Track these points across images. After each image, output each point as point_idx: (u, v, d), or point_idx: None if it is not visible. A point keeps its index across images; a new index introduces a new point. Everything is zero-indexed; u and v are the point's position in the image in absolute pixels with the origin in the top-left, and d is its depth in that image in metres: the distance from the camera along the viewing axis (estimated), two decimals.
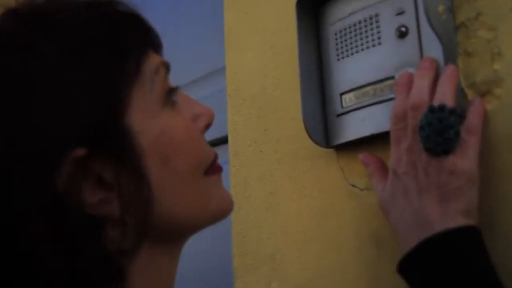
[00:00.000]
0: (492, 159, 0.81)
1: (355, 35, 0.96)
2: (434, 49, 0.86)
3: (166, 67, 0.61)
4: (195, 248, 1.47)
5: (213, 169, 0.64)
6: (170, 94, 0.60)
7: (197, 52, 1.56)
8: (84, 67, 0.51)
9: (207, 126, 0.66)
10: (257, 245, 1.16)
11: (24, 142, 0.48)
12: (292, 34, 1.09)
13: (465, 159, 0.70)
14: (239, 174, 1.20)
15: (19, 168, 0.47)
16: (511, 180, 0.79)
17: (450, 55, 0.85)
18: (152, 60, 0.58)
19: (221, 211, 0.65)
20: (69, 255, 0.48)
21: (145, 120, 0.55)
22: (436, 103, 0.71)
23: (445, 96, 0.72)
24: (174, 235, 0.60)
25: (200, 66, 1.55)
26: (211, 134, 1.45)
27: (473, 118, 0.74)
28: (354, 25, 0.97)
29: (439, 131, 0.69)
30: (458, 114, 0.71)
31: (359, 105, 0.95)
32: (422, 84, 0.74)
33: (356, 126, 0.96)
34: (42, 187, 0.48)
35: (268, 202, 1.14)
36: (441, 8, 0.86)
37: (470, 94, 0.85)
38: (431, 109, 0.71)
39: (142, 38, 0.59)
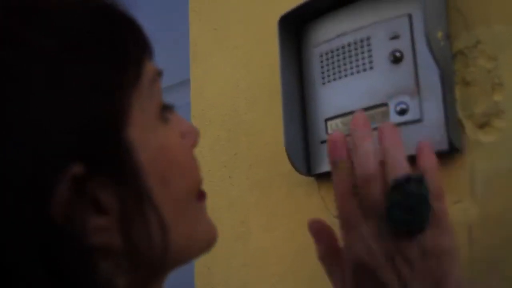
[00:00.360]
0: (493, 196, 0.78)
1: (344, 58, 0.91)
2: (430, 76, 0.83)
3: (160, 75, 0.55)
4: None
5: (201, 194, 0.59)
6: (164, 107, 0.54)
7: (160, 63, 1.48)
8: (84, 68, 0.45)
9: (194, 145, 0.59)
10: (225, 278, 1.08)
11: (14, 156, 0.40)
12: (267, 53, 1.03)
13: (444, 232, 0.56)
14: (207, 201, 1.12)
15: (9, 188, 0.40)
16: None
17: (447, 83, 0.82)
18: (149, 68, 0.52)
19: (209, 242, 0.59)
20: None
21: (143, 134, 0.48)
22: (392, 173, 0.56)
23: (400, 162, 0.57)
24: (159, 268, 0.52)
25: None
26: None
27: (432, 177, 0.58)
28: (343, 47, 0.92)
29: (411, 208, 0.54)
30: (424, 181, 0.55)
31: (347, 133, 0.90)
32: (367, 149, 0.58)
33: None
34: (35, 212, 0.41)
35: (238, 232, 1.07)
36: (439, 34, 0.82)
37: (468, 125, 0.81)
38: (396, 185, 0.55)
39: (140, 42, 0.52)
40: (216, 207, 1.11)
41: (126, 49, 0.49)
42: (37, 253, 0.40)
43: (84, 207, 0.43)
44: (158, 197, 0.48)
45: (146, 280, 0.51)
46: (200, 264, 1.12)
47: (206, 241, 0.58)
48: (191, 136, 0.58)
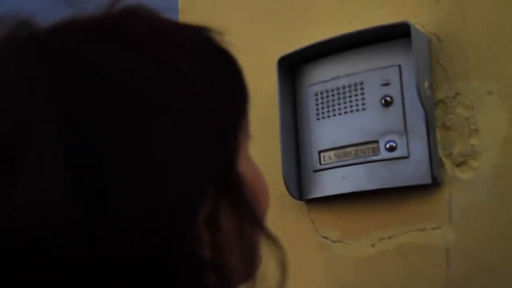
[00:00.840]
0: (467, 224, 0.92)
1: (338, 99, 1.04)
2: (416, 119, 0.96)
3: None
4: None
5: None
6: None
7: None
8: (222, 98, 0.48)
9: None
10: None
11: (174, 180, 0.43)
12: (262, 87, 1.14)
13: None
14: None
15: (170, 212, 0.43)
16: (486, 244, 0.90)
17: (431, 126, 0.95)
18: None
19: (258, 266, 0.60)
20: None
21: (246, 163, 0.52)
22: None
23: None
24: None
25: None
26: None
27: None
28: (337, 89, 1.04)
29: None
30: None
31: (339, 164, 1.02)
32: None
33: (335, 183, 1.02)
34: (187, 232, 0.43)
35: None
36: (426, 84, 0.96)
37: (448, 163, 0.95)
38: None
39: (243, 76, 0.56)
40: None
41: (240, 83, 0.53)
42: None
43: (214, 228, 0.46)
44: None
45: None
46: None
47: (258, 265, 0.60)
48: None
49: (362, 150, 1.00)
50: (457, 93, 0.96)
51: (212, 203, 0.46)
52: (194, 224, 0.44)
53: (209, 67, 0.48)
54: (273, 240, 0.53)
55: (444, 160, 0.96)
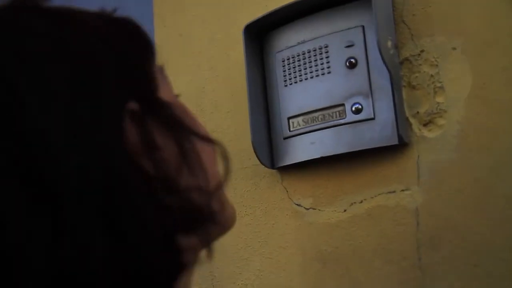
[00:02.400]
0: (434, 183, 0.90)
1: (304, 63, 1.02)
2: (381, 79, 0.94)
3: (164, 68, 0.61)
4: None
5: None
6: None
7: None
8: (126, 37, 0.53)
9: None
10: None
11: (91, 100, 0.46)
12: (230, 57, 1.13)
13: None
14: None
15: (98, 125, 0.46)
16: (453, 203, 0.88)
17: (396, 86, 0.94)
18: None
19: (233, 218, 0.58)
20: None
21: (171, 99, 0.54)
22: None
23: None
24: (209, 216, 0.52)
25: None
26: None
27: None
28: (303, 53, 1.02)
29: None
30: None
31: (307, 129, 1.01)
32: None
33: (304, 149, 1.01)
34: (116, 142, 0.46)
35: None
36: (389, 43, 0.94)
37: (414, 123, 0.93)
38: None
39: (150, 45, 0.61)
40: None
41: (148, 44, 0.56)
42: (139, 188, 0.45)
43: (147, 143, 0.48)
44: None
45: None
46: None
47: (232, 215, 0.58)
48: None
49: (329, 114, 0.99)
50: (422, 51, 0.94)
51: (138, 122, 0.47)
52: (121, 139, 0.46)
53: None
54: (211, 140, 0.53)
55: (411, 119, 0.94)
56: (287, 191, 1.07)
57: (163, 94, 0.55)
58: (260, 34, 1.09)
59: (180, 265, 0.48)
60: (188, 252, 0.50)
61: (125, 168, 0.46)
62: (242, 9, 1.16)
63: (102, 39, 0.52)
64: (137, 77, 0.52)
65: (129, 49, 0.54)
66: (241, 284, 1.10)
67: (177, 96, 0.62)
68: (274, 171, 1.09)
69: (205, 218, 0.50)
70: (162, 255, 0.46)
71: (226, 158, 0.54)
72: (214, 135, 1.13)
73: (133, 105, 0.48)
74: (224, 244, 1.10)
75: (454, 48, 0.91)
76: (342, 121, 0.97)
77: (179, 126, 0.52)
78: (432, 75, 0.93)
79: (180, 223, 0.48)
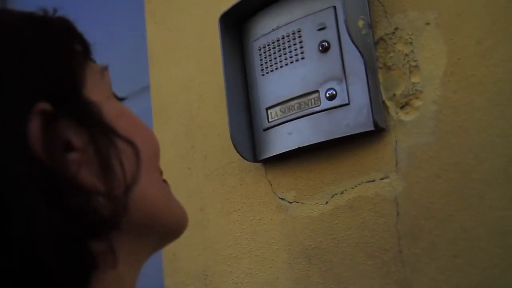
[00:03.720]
0: (412, 170, 0.84)
1: (279, 50, 0.98)
2: (355, 62, 0.89)
3: (106, 69, 0.59)
4: None
5: (164, 180, 0.60)
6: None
7: (121, 71, 1.54)
8: (43, 35, 0.51)
9: None
10: (189, 262, 1.14)
11: None
12: (216, 49, 1.09)
13: None
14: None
15: None
16: (432, 190, 0.82)
17: (371, 68, 0.88)
18: (95, 64, 0.57)
19: (182, 220, 0.59)
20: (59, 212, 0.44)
21: (102, 99, 0.53)
22: None
23: None
24: (143, 232, 0.54)
25: (125, 84, 1.53)
26: None
27: None
28: (278, 40, 0.98)
29: None
30: None
31: (285, 119, 0.96)
32: None
33: (282, 140, 0.97)
34: (17, 148, 0.45)
35: (198, 219, 1.14)
36: (360, 23, 0.88)
37: (390, 106, 0.87)
38: None
39: (83, 45, 0.57)
40: (177, 196, 1.18)
41: (71, 40, 0.55)
42: (34, 190, 0.43)
43: (59, 144, 0.46)
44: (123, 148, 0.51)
45: (129, 252, 0.53)
46: (167, 251, 1.18)
47: (180, 218, 0.59)
48: None
49: (304, 102, 0.94)
50: (396, 28, 0.88)
51: (49, 122, 0.46)
52: (24, 142, 0.45)
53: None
54: (128, 141, 0.51)
55: (388, 103, 0.88)
56: (271, 185, 1.03)
57: (94, 94, 0.53)
58: (236, 23, 1.05)
59: (86, 270, 0.46)
60: (102, 256, 0.48)
61: (20, 169, 0.44)
62: (229, 1, 1.12)
63: (14, 39, 0.50)
64: (54, 77, 0.50)
65: (46, 50, 0.51)
66: (232, 282, 1.06)
67: (118, 98, 0.59)
68: (258, 164, 1.05)
69: (111, 224, 0.48)
70: (61, 261, 0.45)
71: (138, 163, 0.52)
72: (201, 130, 1.11)
73: (43, 105, 0.46)
74: (215, 242, 1.07)
75: (427, 23, 0.84)
76: (317, 109, 0.92)
77: (98, 127, 0.50)
78: (406, 54, 0.86)
79: (86, 228, 0.46)
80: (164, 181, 0.60)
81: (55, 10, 0.59)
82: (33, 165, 0.45)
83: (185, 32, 1.22)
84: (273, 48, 0.99)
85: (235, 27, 1.05)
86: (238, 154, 1.03)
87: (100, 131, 0.49)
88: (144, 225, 0.54)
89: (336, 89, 0.90)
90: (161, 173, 0.60)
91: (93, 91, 0.53)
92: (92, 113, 0.50)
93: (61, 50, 0.53)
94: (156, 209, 0.55)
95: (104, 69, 0.58)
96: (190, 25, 1.21)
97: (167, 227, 0.57)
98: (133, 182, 0.51)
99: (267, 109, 1.00)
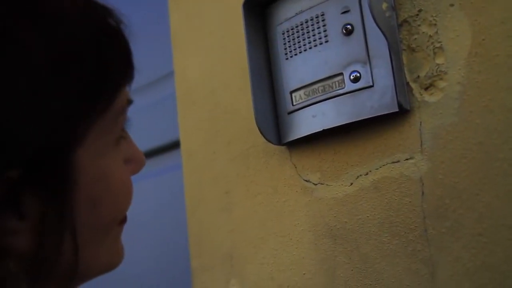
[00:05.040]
0: (437, 150, 0.85)
1: (303, 34, 0.99)
2: (379, 45, 0.90)
3: (130, 104, 0.55)
4: (152, 251, 1.47)
5: (124, 219, 0.58)
6: (122, 132, 0.55)
7: (145, 58, 1.56)
8: (59, 85, 0.45)
9: (134, 173, 0.59)
10: (214, 245, 1.17)
11: None
12: (240, 35, 1.10)
13: None
14: (193, 176, 1.21)
15: None
16: (457, 170, 0.83)
17: (395, 51, 0.89)
18: (122, 98, 0.52)
19: (111, 265, 0.57)
20: None
21: (91, 159, 0.49)
22: None
23: None
24: (65, 281, 0.51)
25: (148, 72, 1.55)
26: (163, 140, 1.46)
27: None
28: (301, 24, 0.99)
29: None
30: None
31: (309, 102, 0.98)
32: None
33: (307, 123, 0.98)
34: None
35: (223, 202, 1.16)
36: (384, 5, 0.89)
37: (415, 88, 0.88)
38: None
39: (123, 68, 0.52)
40: (202, 181, 1.20)
41: (107, 76, 0.49)
42: None
43: (8, 207, 0.44)
44: (83, 219, 0.48)
45: None
46: (193, 234, 1.21)
47: (109, 264, 0.56)
48: (136, 164, 0.59)
49: (328, 85, 0.95)
50: (419, 10, 0.88)
51: (9, 186, 0.43)
52: None
53: (68, 49, 0.46)
54: (74, 242, 0.48)
55: (412, 84, 0.89)
56: (296, 168, 1.04)
57: (91, 147, 0.49)
58: (259, 9, 1.06)
59: None
60: None
61: None
62: None
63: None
64: (42, 142, 0.44)
65: (64, 85, 0.45)
66: (258, 263, 1.09)
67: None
68: (283, 148, 1.06)
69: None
70: None
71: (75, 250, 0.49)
72: (226, 114, 1.13)
73: (11, 174, 0.43)
74: (240, 224, 1.09)
75: (451, 5, 0.85)
76: (341, 91, 0.93)
77: (56, 201, 0.46)
78: (430, 36, 0.87)
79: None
80: (124, 219, 0.58)
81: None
82: None
83: (208, 18, 1.24)
84: (297, 32, 1.00)
85: (258, 13, 1.06)
86: (262, 138, 1.04)
87: (54, 212, 0.46)
88: (70, 279, 0.52)
89: (360, 71, 0.91)
90: (126, 212, 0.57)
91: (92, 144, 0.49)
92: (59, 188, 0.46)
93: (83, 96, 0.47)
94: (86, 267, 0.52)
95: (128, 103, 0.54)
96: (213, 11, 1.22)
97: (92, 274, 0.55)
98: (68, 271, 0.49)
99: (291, 92, 1.01)
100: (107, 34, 0.50)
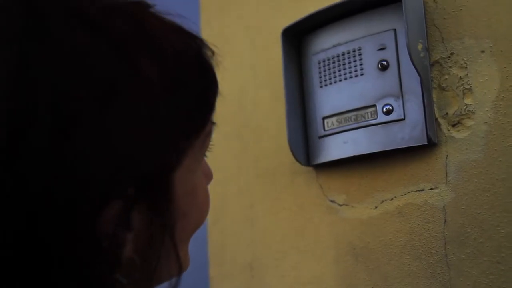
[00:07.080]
0: (461, 182, 0.93)
1: (339, 65, 1.07)
2: (412, 82, 0.98)
3: (214, 125, 0.59)
4: None
5: None
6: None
7: None
8: (171, 105, 0.48)
9: (208, 184, 0.63)
10: (235, 254, 1.23)
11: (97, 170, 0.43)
12: (271, 57, 1.18)
13: None
14: (218, 188, 1.27)
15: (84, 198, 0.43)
16: (480, 201, 0.91)
17: (426, 88, 0.97)
18: (208, 125, 0.56)
19: (182, 271, 0.60)
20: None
21: (185, 174, 0.53)
22: None
23: None
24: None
25: None
26: None
27: None
28: (338, 56, 1.07)
29: None
30: None
31: (341, 129, 1.05)
32: None
33: (338, 148, 1.06)
34: (84, 227, 0.44)
35: (247, 214, 1.22)
36: (420, 46, 0.97)
37: (443, 124, 0.96)
38: None
39: (216, 92, 0.57)
40: (227, 194, 1.27)
41: (206, 100, 0.55)
42: (73, 257, 0.44)
43: (123, 225, 0.47)
44: (177, 229, 0.51)
45: None
46: (214, 242, 1.27)
47: (179, 270, 0.58)
48: (208, 178, 0.62)
49: (361, 115, 1.03)
50: (451, 53, 0.97)
51: (126, 202, 0.46)
52: (96, 214, 0.45)
53: (177, 77, 0.50)
54: (179, 258, 0.53)
55: (440, 120, 0.97)
56: (322, 188, 1.12)
57: (183, 168, 0.52)
58: (297, 37, 1.14)
59: None
60: None
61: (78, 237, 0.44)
62: (280, 12, 1.21)
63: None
64: (158, 149, 0.48)
65: (174, 107, 0.49)
66: (278, 275, 1.15)
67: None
68: (310, 168, 1.13)
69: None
70: None
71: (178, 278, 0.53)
72: (254, 132, 1.20)
73: (130, 190, 0.46)
74: (263, 236, 1.16)
75: (482, 51, 0.93)
76: (373, 122, 1.01)
77: (163, 217, 0.49)
78: (461, 77, 0.95)
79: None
80: None
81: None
82: (92, 239, 0.45)
83: (240, 41, 1.31)
84: (333, 63, 1.08)
85: (296, 40, 1.14)
86: (289, 158, 1.12)
87: (159, 220, 0.49)
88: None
89: (393, 104, 0.99)
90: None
91: (186, 164, 0.52)
92: (164, 202, 0.49)
93: (186, 126, 0.51)
94: (168, 273, 0.55)
95: (213, 125, 0.58)
96: (245, 34, 1.30)
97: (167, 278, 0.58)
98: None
99: (323, 118, 1.09)
100: (203, 62, 0.56)
